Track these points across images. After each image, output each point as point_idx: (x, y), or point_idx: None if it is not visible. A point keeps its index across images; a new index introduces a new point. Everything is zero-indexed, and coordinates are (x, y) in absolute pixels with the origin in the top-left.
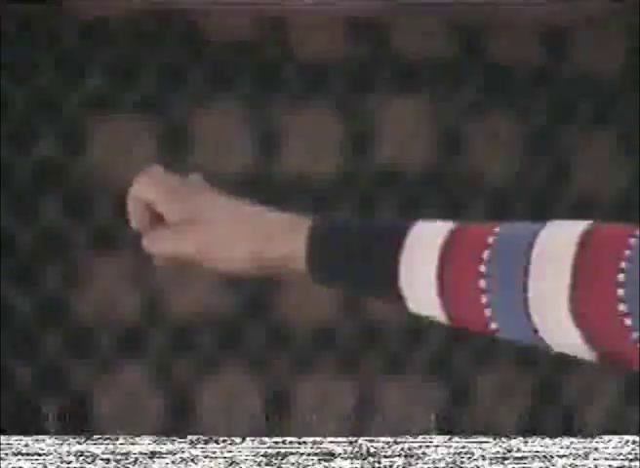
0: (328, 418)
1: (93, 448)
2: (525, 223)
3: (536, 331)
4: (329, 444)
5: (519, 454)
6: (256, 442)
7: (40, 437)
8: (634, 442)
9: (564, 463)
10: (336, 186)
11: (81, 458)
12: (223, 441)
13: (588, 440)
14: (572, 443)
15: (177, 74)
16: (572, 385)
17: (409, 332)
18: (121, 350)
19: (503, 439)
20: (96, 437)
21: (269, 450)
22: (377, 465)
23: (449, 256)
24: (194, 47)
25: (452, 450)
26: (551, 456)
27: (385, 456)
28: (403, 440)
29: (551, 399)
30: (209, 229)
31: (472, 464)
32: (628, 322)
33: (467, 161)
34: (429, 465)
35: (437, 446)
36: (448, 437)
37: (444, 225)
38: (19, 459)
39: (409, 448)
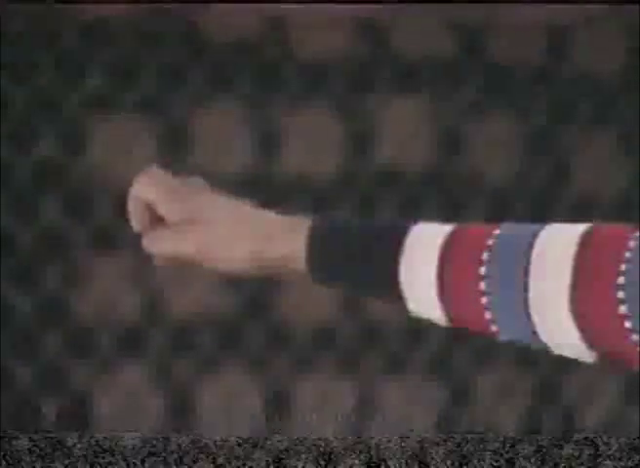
0: (328, 418)
1: (92, 448)
2: (525, 224)
3: (535, 333)
4: (329, 444)
5: (519, 454)
6: (255, 442)
7: (40, 436)
8: (634, 442)
9: (564, 463)
10: (336, 186)
11: (81, 458)
12: (223, 441)
13: (588, 440)
14: (572, 443)
15: (177, 74)
16: (572, 385)
17: (409, 332)
18: (121, 350)
19: (503, 439)
20: (95, 436)
21: (269, 450)
22: (376, 465)
23: (449, 257)
24: (194, 47)
25: (452, 450)
26: (551, 456)
27: (385, 456)
28: (403, 440)
29: (551, 399)
30: (209, 229)
31: (471, 464)
32: (628, 324)
33: (467, 161)
34: (429, 465)
35: (437, 445)
36: (448, 437)
37: (444, 226)
38: (19, 459)
39: (409, 448)
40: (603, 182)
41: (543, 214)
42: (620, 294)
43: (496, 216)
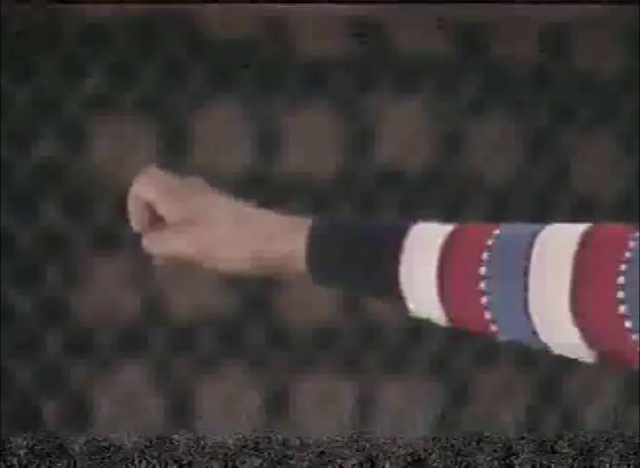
0: (328, 418)
1: (92, 448)
2: (525, 224)
3: (535, 332)
4: (329, 444)
5: (519, 454)
6: (256, 442)
7: (40, 436)
8: (634, 442)
9: (564, 463)
10: (336, 186)
11: (80, 458)
12: (223, 441)
13: (588, 440)
14: (572, 443)
15: (177, 74)
16: (572, 385)
17: (409, 332)
18: (121, 350)
19: (503, 439)
20: (95, 436)
21: (269, 450)
22: (376, 465)
23: (449, 257)
24: (194, 47)
25: (452, 450)
26: (551, 456)
27: (385, 456)
28: (403, 440)
29: (551, 399)
30: (209, 229)
31: (472, 464)
32: (628, 324)
33: (467, 161)
34: (429, 465)
35: (437, 445)
36: (448, 437)
37: (444, 226)
38: (18, 459)
39: (409, 448)
40: (603, 182)
41: (543, 214)
42: (620, 294)
43: (496, 216)
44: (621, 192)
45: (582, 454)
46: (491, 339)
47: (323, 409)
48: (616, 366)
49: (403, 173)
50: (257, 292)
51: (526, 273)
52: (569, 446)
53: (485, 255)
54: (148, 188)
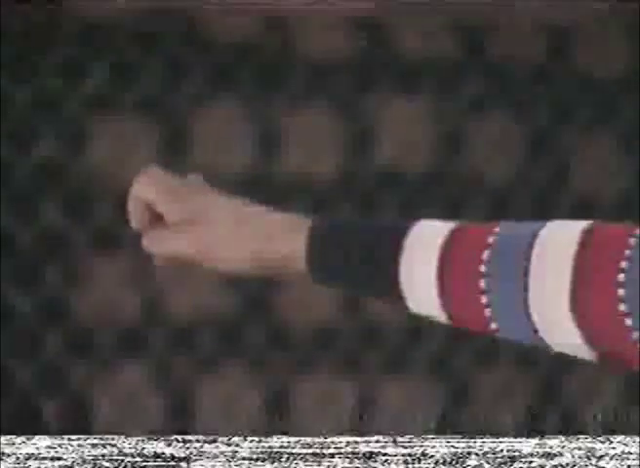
0: (328, 418)
1: (92, 448)
2: (525, 223)
3: (536, 331)
4: (329, 444)
5: (519, 454)
6: (255, 442)
7: (40, 437)
8: (634, 442)
9: (564, 463)
10: (336, 186)
11: (80, 458)
12: (223, 441)
13: (589, 440)
14: (572, 443)
15: (177, 74)
16: (572, 385)
17: (409, 332)
18: (121, 350)
19: (503, 439)
20: (95, 437)
21: (269, 450)
22: (377, 465)
23: (449, 257)
24: (194, 47)
25: (452, 450)
26: (551, 456)
27: (385, 456)
28: (403, 440)
29: (551, 399)
30: (209, 229)
31: (472, 464)
32: (629, 322)
33: (467, 161)
34: (429, 465)
35: (437, 445)
36: (448, 437)
37: (444, 225)
38: (18, 459)
39: (409, 448)
40: (603, 182)
41: (543, 214)
42: (621, 292)
43: (496, 216)
44: (621, 192)
45: (582, 455)
46: (491, 339)
47: (323, 409)
48: (616, 366)
49: (403, 173)
50: (257, 292)
51: (526, 273)
52: (568, 445)
53: (485, 255)
54: (148, 188)
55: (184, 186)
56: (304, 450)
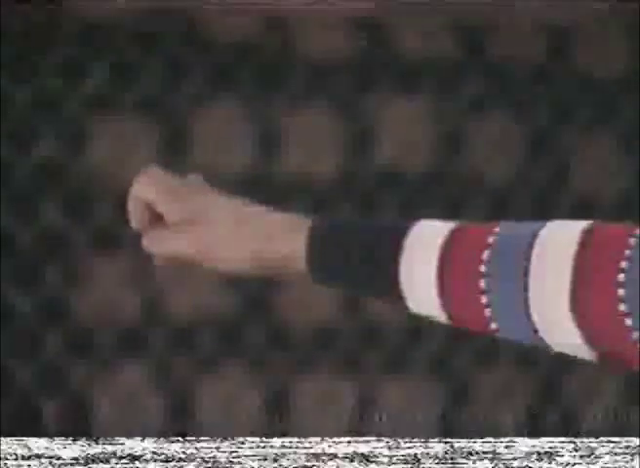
0: (328, 418)
1: (92, 449)
2: (525, 223)
3: (536, 331)
4: (329, 444)
5: (519, 454)
6: (256, 442)
7: (40, 438)
8: (634, 442)
9: (564, 463)
10: (336, 186)
11: (80, 459)
12: (223, 441)
13: (588, 440)
14: (572, 443)
15: (177, 74)
16: (572, 385)
17: (409, 332)
18: (121, 350)
19: (503, 439)
20: (95, 437)
21: (269, 451)
22: (377, 465)
23: (449, 257)
24: (194, 47)
25: (452, 450)
26: (551, 456)
27: (385, 456)
28: (403, 440)
29: (551, 399)
30: (209, 229)
31: (472, 464)
32: (629, 322)
33: (467, 161)
34: (429, 465)
35: (437, 446)
36: (448, 437)
37: (444, 225)
38: (18, 459)
39: (409, 448)
40: (603, 182)
41: (543, 214)
42: (621, 292)
43: (496, 216)
44: (621, 192)
45: (582, 455)
46: (491, 339)
47: (323, 409)
48: (616, 366)
49: (403, 173)
50: (257, 292)
51: (526, 273)
52: (568, 446)
53: (485, 254)
54: (148, 188)
55: (184, 186)
56: (304, 451)
